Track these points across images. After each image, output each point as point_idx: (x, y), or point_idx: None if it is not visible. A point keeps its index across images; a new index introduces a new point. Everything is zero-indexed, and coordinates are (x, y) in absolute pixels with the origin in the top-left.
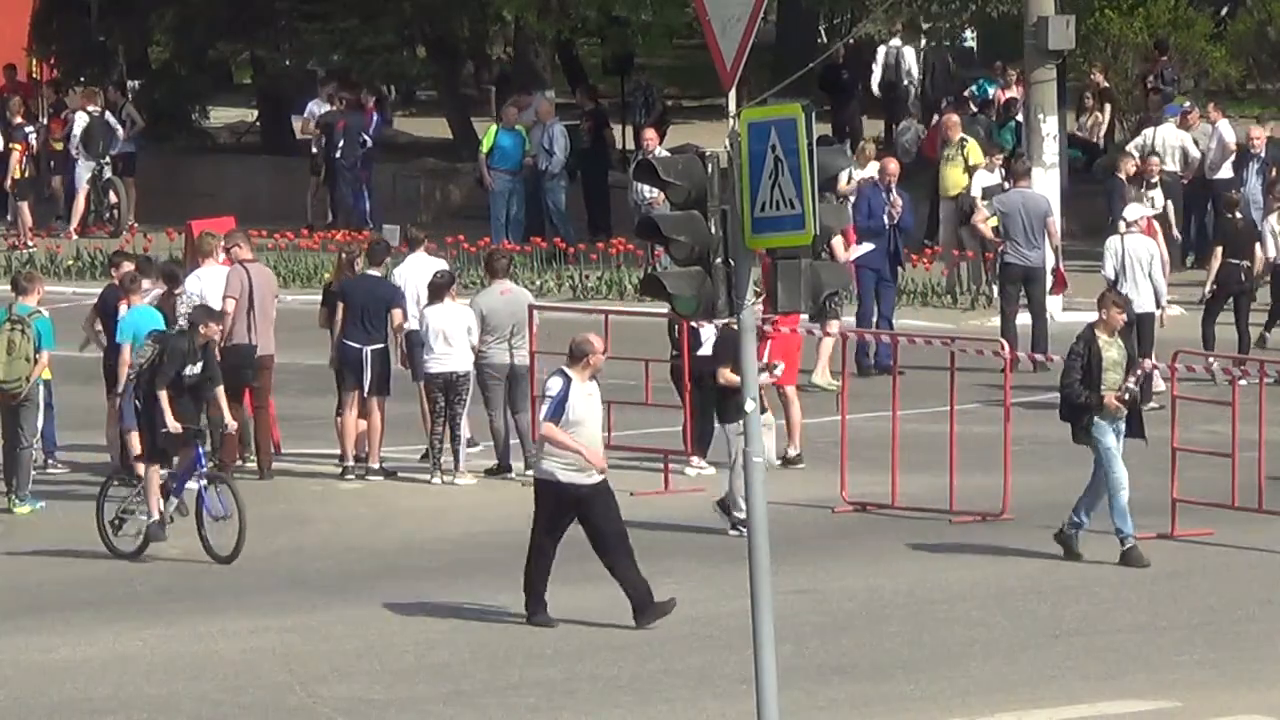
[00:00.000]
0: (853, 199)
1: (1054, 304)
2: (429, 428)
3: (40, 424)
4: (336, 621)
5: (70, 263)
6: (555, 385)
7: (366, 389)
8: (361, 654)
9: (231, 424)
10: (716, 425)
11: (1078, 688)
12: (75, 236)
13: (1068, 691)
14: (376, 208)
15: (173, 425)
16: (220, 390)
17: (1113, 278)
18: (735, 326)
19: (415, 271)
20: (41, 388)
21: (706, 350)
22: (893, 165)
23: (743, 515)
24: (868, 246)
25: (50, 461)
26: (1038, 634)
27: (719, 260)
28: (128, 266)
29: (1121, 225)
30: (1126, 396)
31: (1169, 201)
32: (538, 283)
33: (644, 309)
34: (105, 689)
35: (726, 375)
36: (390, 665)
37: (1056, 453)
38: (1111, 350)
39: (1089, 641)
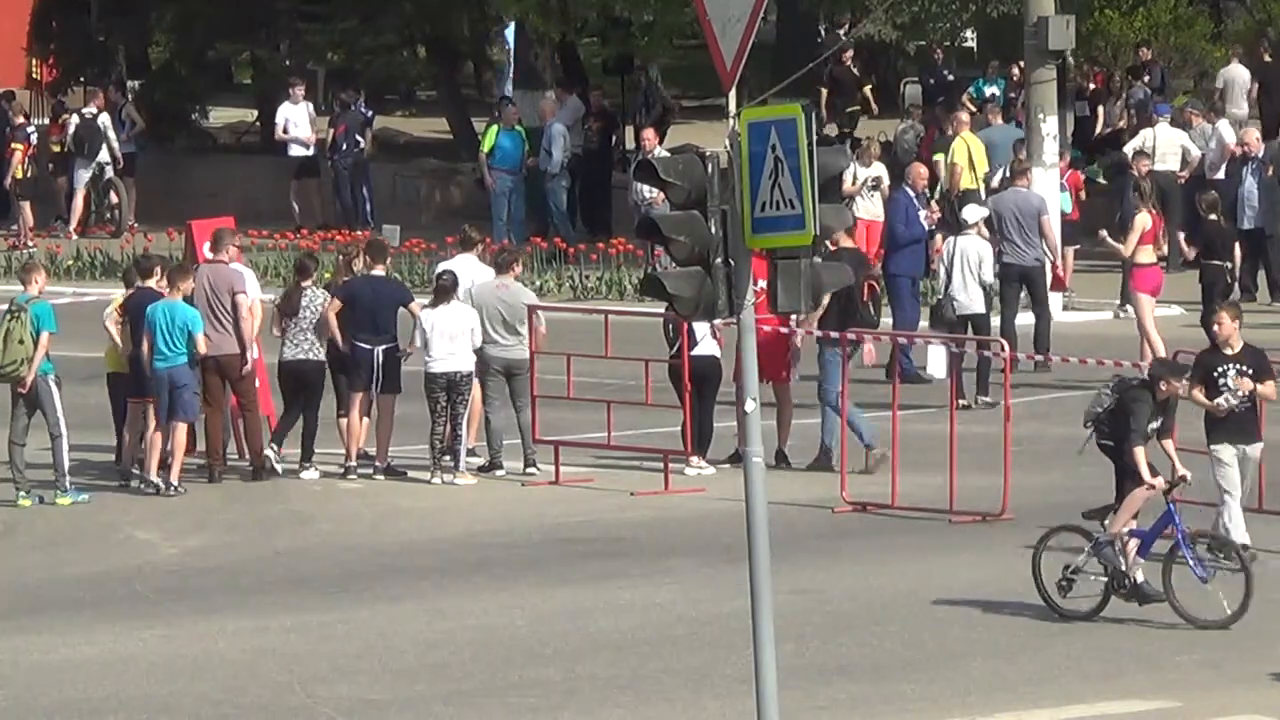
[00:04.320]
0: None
1: (1053, 302)
2: (430, 427)
3: (61, 413)
4: (336, 621)
5: (70, 263)
6: None
7: (377, 388)
8: (361, 654)
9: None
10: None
11: (1078, 688)
12: (75, 237)
13: (1068, 691)
14: (375, 208)
15: (1154, 481)
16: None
17: (944, 279)
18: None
19: (464, 272)
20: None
21: (704, 350)
22: (923, 171)
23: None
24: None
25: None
26: (1038, 634)
27: (719, 260)
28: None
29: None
30: None
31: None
32: (538, 283)
33: (644, 309)
34: (105, 689)
35: (1197, 397)
36: (390, 665)
37: (1056, 452)
38: None
39: (1089, 641)
